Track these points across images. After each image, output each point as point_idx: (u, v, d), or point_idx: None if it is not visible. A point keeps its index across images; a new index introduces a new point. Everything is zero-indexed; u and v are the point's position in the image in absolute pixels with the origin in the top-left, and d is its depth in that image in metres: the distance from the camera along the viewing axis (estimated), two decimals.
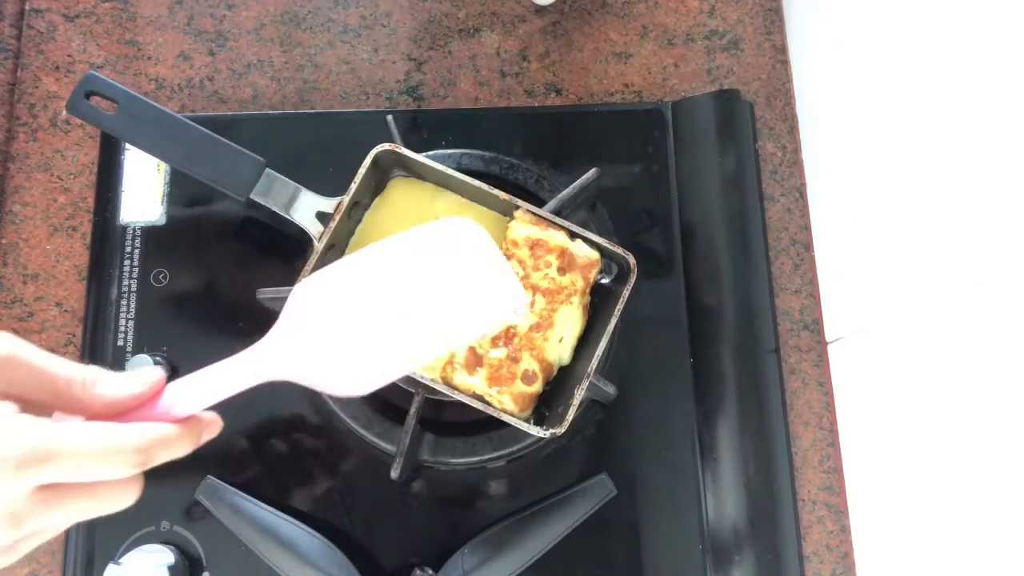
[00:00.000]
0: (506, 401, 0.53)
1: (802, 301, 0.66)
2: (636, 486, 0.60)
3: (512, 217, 0.57)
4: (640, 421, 0.62)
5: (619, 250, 0.56)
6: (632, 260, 0.55)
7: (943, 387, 0.51)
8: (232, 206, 0.58)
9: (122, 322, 0.62)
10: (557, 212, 0.58)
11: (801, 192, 0.69)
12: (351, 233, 0.59)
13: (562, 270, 0.55)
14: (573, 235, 0.56)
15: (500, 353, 0.54)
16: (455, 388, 0.54)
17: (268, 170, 0.57)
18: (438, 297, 0.42)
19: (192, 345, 0.62)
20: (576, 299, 0.55)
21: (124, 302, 0.63)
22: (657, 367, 0.63)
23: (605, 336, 0.54)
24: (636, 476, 0.60)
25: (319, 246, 0.55)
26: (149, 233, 0.64)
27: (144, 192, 0.65)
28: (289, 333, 0.40)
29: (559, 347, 0.55)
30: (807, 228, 0.68)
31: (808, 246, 0.67)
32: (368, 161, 0.56)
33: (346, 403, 0.59)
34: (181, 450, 0.36)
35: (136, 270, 0.63)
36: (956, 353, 0.49)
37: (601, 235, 0.57)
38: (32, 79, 0.69)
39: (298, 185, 0.58)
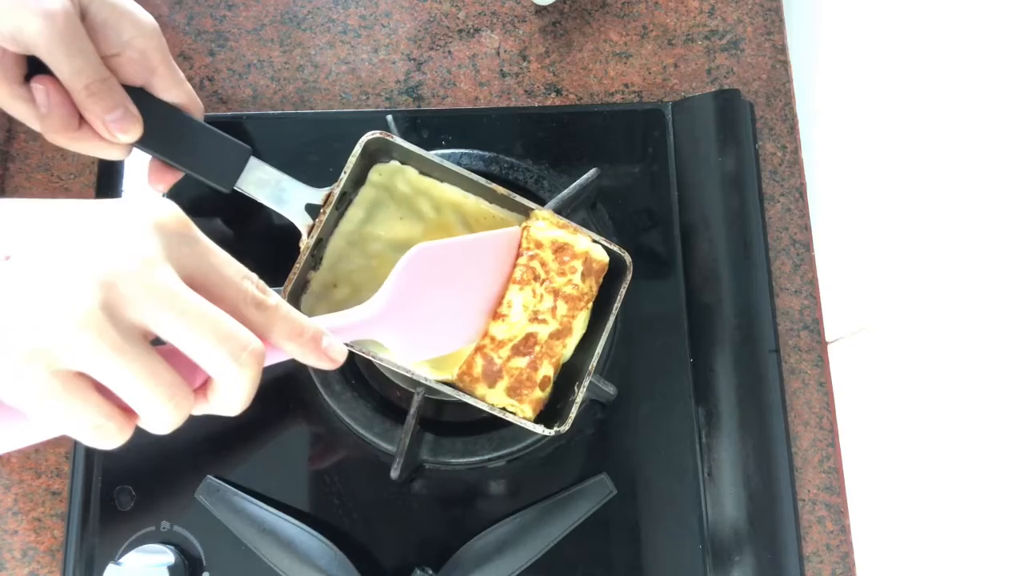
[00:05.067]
0: (527, 410, 0.53)
1: (802, 301, 0.66)
2: (636, 486, 0.60)
3: (526, 216, 0.56)
4: (640, 421, 0.62)
5: (616, 247, 0.56)
6: (628, 257, 0.56)
7: (943, 387, 0.51)
8: (231, 206, 0.57)
9: None
10: (557, 212, 0.58)
11: (801, 192, 0.69)
12: (336, 225, 0.57)
13: (583, 276, 0.54)
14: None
15: (521, 362, 0.52)
16: (477, 399, 0.53)
17: (253, 159, 0.54)
18: (488, 295, 0.53)
19: None
20: (590, 304, 0.55)
21: None
22: (657, 367, 0.63)
23: (604, 333, 0.54)
24: (636, 476, 0.60)
25: (309, 241, 0.53)
26: None
27: (144, 192, 0.65)
28: (393, 299, 0.47)
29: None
30: (807, 228, 0.68)
31: (808, 246, 0.67)
32: (358, 149, 0.55)
33: (346, 403, 0.59)
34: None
35: None
36: (956, 353, 0.49)
37: (600, 235, 0.57)
38: None
39: (285, 175, 0.55)
